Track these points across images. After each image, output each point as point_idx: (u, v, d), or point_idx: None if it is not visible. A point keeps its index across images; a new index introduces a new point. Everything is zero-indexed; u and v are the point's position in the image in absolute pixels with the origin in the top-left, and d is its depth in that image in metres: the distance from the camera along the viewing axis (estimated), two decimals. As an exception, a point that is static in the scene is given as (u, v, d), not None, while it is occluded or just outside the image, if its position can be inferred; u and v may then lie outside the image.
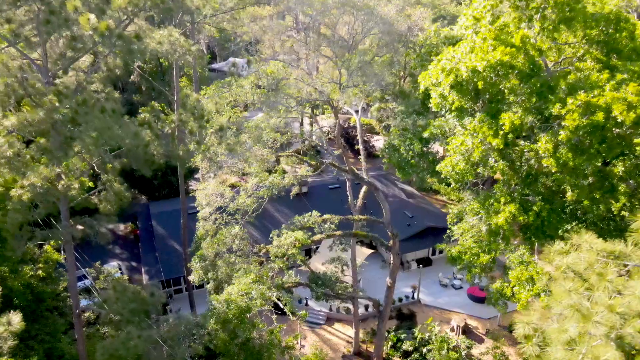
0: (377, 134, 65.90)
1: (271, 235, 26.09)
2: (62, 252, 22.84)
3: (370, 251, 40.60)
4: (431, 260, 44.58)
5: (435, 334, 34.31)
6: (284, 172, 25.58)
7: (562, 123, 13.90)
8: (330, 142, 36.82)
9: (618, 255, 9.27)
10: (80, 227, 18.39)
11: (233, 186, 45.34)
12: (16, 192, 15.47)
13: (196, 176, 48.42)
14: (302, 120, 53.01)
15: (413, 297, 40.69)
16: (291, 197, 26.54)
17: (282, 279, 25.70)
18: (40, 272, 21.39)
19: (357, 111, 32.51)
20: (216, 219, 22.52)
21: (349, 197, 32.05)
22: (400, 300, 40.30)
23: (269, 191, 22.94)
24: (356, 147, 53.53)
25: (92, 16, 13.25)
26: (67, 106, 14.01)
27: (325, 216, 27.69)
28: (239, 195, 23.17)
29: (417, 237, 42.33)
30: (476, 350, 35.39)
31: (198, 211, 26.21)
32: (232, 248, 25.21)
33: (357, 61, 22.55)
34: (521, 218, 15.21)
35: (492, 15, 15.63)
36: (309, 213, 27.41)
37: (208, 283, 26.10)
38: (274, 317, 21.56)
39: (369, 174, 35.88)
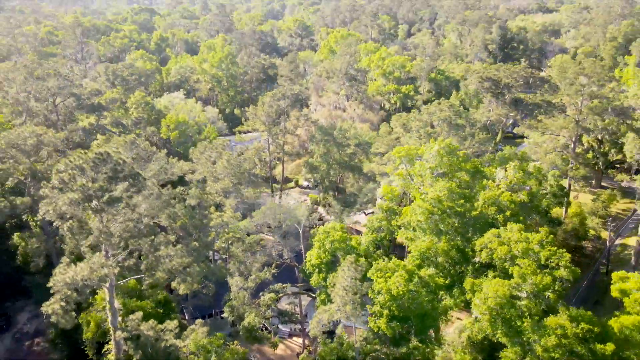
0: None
1: (260, 294, 62.60)
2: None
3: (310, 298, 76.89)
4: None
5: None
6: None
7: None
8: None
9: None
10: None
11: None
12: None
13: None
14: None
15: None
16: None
17: (265, 314, 62.05)
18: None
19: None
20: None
21: (296, 272, 69.03)
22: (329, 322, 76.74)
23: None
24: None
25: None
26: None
27: (285, 285, 64.61)
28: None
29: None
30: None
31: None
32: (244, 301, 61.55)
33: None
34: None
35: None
36: (278, 284, 64.10)
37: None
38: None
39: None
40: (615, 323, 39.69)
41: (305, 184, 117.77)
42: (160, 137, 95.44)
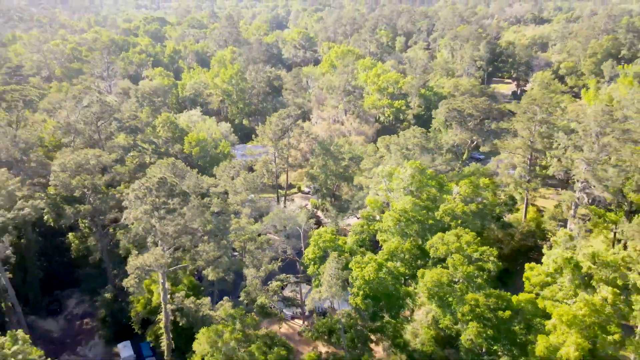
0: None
1: (268, 282, 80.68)
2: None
3: (309, 286, 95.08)
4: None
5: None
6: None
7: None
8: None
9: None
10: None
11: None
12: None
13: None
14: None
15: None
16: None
17: (273, 298, 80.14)
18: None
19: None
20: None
21: (297, 265, 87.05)
22: (325, 306, 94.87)
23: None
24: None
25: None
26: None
27: (289, 276, 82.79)
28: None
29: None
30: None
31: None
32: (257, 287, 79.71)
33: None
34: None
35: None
36: (283, 274, 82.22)
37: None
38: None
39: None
40: (515, 298, 57.49)
41: (306, 190, 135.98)
42: (183, 152, 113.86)
